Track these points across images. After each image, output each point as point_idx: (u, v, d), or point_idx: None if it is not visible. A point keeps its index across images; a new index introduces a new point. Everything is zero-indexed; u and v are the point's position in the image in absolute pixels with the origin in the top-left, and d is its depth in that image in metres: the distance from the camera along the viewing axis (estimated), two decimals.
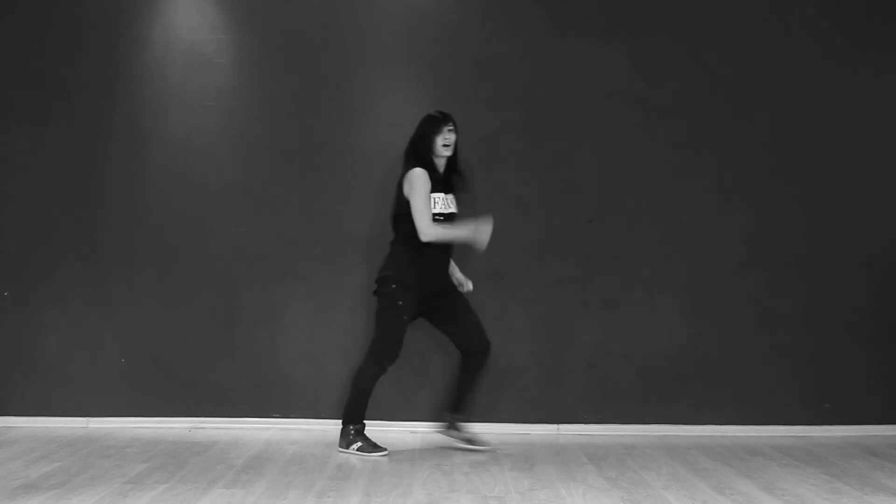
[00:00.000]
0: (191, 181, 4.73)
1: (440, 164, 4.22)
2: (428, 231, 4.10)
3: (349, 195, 4.71)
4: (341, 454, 4.18)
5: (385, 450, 4.19)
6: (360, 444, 4.21)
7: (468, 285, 4.35)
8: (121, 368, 4.70)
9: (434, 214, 4.13)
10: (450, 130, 4.17)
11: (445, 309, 4.28)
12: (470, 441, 4.30)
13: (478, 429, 4.63)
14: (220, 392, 4.70)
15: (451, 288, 4.32)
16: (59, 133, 4.72)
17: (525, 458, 4.11)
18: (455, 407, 4.33)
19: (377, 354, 4.18)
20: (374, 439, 4.23)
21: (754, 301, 4.72)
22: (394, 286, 4.14)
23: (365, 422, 4.27)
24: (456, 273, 4.37)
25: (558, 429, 4.69)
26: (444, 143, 4.16)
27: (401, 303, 4.13)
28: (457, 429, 4.33)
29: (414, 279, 4.15)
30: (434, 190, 4.14)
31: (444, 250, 4.23)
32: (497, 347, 4.54)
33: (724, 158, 4.73)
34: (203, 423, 4.70)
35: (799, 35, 4.75)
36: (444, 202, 4.18)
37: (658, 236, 4.73)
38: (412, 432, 4.60)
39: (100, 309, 4.72)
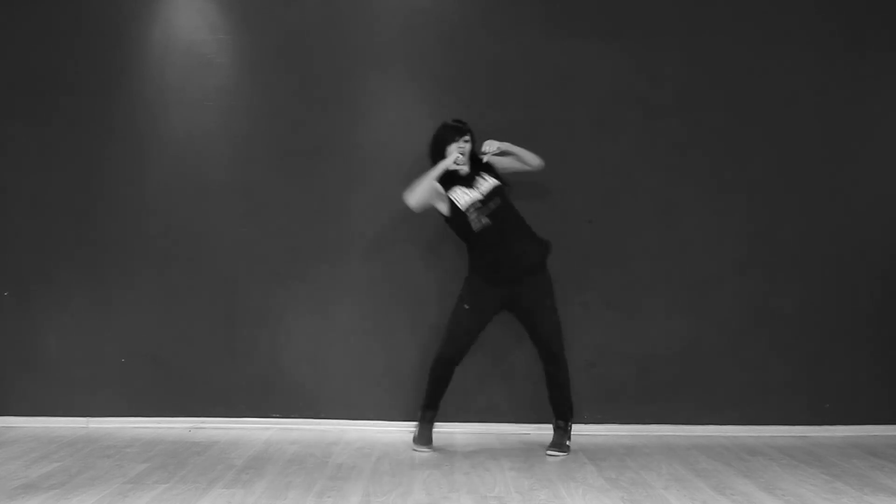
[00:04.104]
0: (191, 181, 4.73)
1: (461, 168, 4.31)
2: (409, 199, 4.23)
3: (349, 195, 4.71)
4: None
5: (425, 447, 4.27)
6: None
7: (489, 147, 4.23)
8: (121, 368, 4.70)
9: (465, 211, 4.19)
10: (465, 141, 4.28)
11: (522, 305, 4.26)
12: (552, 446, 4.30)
13: (478, 428, 4.65)
14: (220, 392, 4.70)
15: (528, 281, 4.23)
16: (59, 133, 4.72)
17: (525, 458, 4.11)
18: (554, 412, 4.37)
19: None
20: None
21: (754, 301, 4.72)
22: (467, 277, 4.31)
23: (431, 412, 4.37)
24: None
25: None
26: (458, 152, 4.25)
27: (463, 292, 4.27)
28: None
29: (479, 274, 4.24)
30: (451, 186, 4.24)
31: (498, 232, 4.17)
32: (497, 347, 4.55)
33: (724, 158, 4.73)
34: (203, 423, 4.70)
35: (799, 35, 4.75)
36: (465, 192, 4.22)
37: (658, 236, 4.73)
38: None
39: (100, 309, 4.72)
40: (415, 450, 4.25)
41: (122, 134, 4.73)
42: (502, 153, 4.29)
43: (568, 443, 4.27)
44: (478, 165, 4.32)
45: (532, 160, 4.33)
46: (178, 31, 4.72)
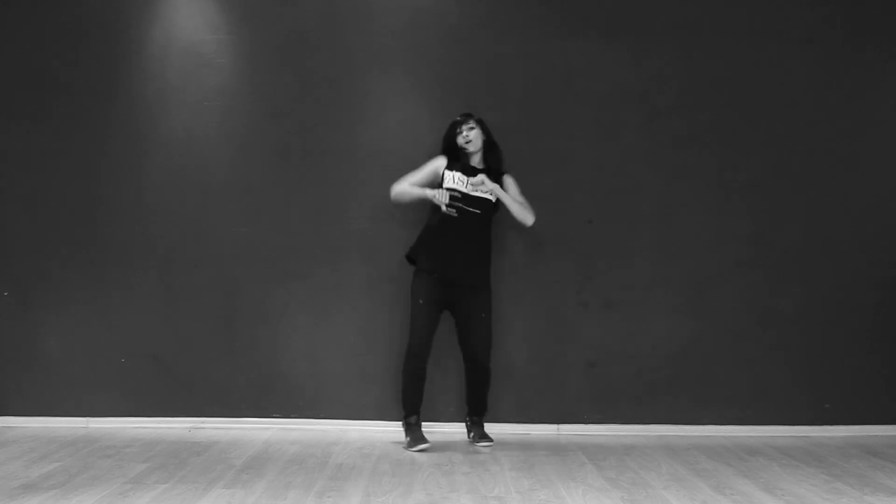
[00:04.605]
0: (191, 181, 4.73)
1: (472, 160, 4.42)
2: (392, 188, 4.39)
3: (349, 195, 4.71)
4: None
5: (423, 444, 4.26)
6: (407, 438, 4.34)
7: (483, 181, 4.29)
8: (121, 368, 4.70)
9: (448, 189, 4.28)
10: (469, 128, 4.37)
11: (462, 312, 4.37)
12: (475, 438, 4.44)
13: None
14: (220, 392, 4.70)
15: (468, 287, 4.32)
16: (59, 133, 4.72)
17: (525, 458, 4.11)
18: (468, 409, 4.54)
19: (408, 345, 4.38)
20: (418, 434, 4.33)
21: (754, 301, 4.72)
22: (414, 269, 4.37)
23: (414, 416, 4.37)
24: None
25: (558, 429, 4.69)
26: (465, 141, 4.36)
27: (413, 287, 4.32)
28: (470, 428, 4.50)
29: (423, 263, 4.31)
30: (452, 169, 4.36)
31: (456, 240, 4.27)
32: (497, 347, 4.54)
33: (724, 158, 4.73)
34: (203, 423, 4.70)
35: (799, 35, 4.75)
36: (457, 179, 4.30)
37: (658, 236, 4.73)
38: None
39: (100, 309, 4.72)
40: (414, 451, 4.22)
41: (122, 134, 4.73)
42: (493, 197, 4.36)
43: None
44: (496, 173, 4.41)
45: (523, 216, 4.36)
46: (178, 31, 4.73)
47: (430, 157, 4.56)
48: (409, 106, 4.73)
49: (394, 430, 4.62)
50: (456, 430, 4.63)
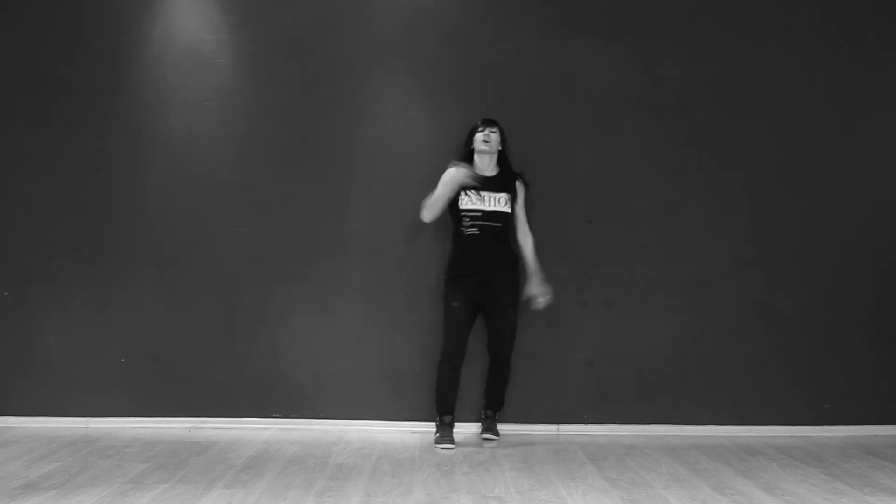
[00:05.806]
0: (191, 181, 4.73)
1: (484, 162, 4.46)
2: (423, 215, 4.46)
3: (349, 195, 4.71)
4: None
5: (449, 444, 4.35)
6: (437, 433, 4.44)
7: (537, 298, 4.45)
8: (121, 368, 4.70)
9: (461, 210, 4.39)
10: (492, 131, 4.43)
11: (492, 308, 4.43)
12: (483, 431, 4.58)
13: (478, 428, 4.64)
14: (220, 392, 4.70)
15: (498, 285, 4.40)
16: (59, 133, 4.72)
17: (525, 458, 4.12)
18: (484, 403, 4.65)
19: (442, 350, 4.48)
20: (445, 434, 4.41)
21: (754, 301, 4.73)
22: (445, 279, 4.47)
23: (448, 416, 4.47)
24: (531, 285, 4.45)
25: (558, 429, 4.69)
26: (483, 140, 4.41)
27: (444, 294, 4.44)
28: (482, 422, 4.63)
29: (454, 271, 4.42)
30: (468, 188, 4.40)
31: (480, 243, 4.37)
32: None
33: (724, 158, 4.74)
34: (203, 423, 4.70)
35: (799, 35, 4.75)
36: (472, 199, 4.39)
37: (658, 236, 4.73)
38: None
39: (100, 309, 4.72)
40: (439, 447, 4.31)
41: (122, 134, 4.73)
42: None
43: (497, 427, 4.55)
44: (510, 175, 4.48)
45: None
46: (178, 31, 4.73)
47: (429, 156, 4.61)
48: (409, 106, 4.73)
49: (393, 430, 4.63)
50: (456, 430, 4.62)
